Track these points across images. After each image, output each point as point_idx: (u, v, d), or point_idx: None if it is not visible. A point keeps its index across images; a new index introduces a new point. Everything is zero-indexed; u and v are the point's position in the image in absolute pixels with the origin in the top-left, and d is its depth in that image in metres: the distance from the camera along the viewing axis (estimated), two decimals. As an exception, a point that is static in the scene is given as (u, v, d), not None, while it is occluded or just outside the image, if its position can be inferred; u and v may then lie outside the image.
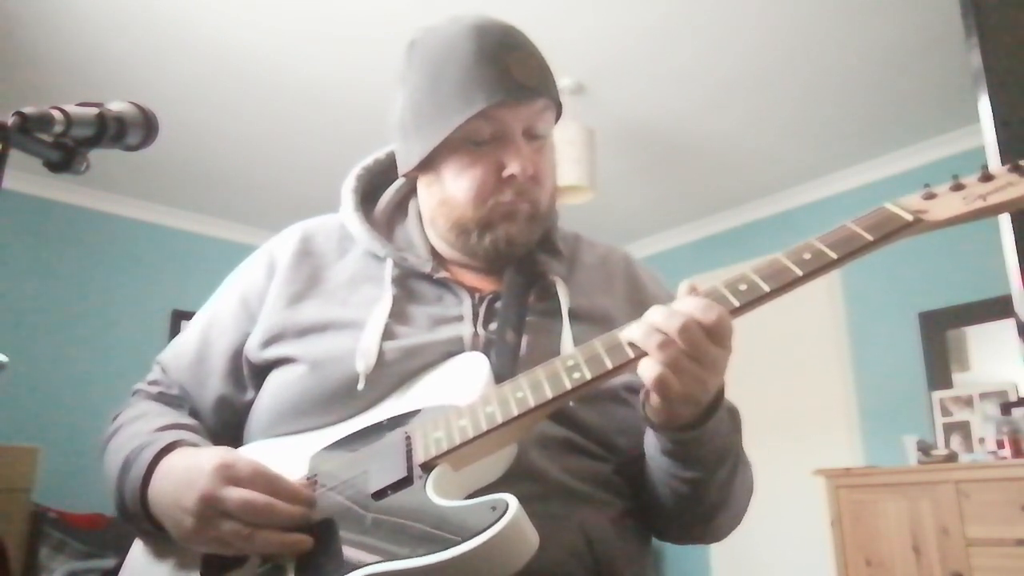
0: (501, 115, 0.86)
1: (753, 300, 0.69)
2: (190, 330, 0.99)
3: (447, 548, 0.62)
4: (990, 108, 1.09)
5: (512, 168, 0.87)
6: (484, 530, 0.62)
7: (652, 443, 0.79)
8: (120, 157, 1.25)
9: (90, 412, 3.44)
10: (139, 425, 0.87)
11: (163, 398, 0.96)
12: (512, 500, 0.63)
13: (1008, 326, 3.15)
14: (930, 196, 0.71)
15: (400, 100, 0.93)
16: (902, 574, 2.87)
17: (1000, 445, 2.89)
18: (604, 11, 2.75)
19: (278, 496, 0.72)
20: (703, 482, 0.78)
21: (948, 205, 0.69)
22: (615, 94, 3.26)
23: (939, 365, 3.50)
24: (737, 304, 0.69)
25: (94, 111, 0.75)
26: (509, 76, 0.85)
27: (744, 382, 4.03)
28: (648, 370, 0.68)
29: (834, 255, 0.69)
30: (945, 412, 3.39)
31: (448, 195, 0.90)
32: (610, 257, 1.03)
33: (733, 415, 0.83)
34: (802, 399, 3.97)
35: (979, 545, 2.70)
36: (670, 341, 0.67)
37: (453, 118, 0.86)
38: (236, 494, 0.71)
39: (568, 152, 3.03)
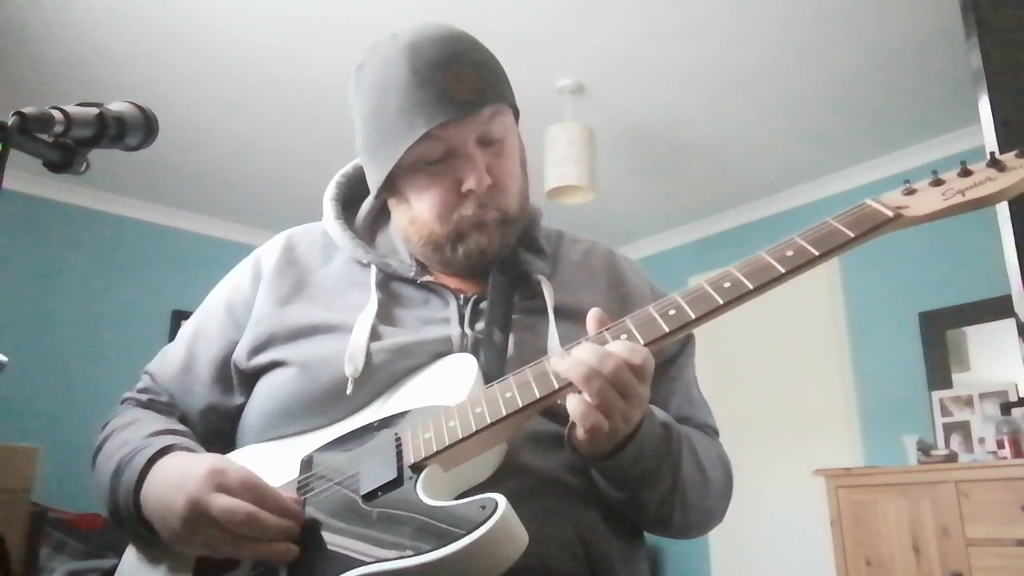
0: (448, 133, 0.85)
1: (737, 298, 0.69)
2: (177, 340, 1.00)
3: (437, 548, 0.62)
4: (990, 108, 1.09)
5: (469, 183, 0.86)
6: (473, 529, 0.62)
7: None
8: (120, 157, 1.26)
9: (90, 412, 3.43)
10: (131, 431, 0.87)
11: (153, 405, 0.96)
12: (501, 499, 0.64)
13: (1008, 326, 3.15)
14: (910, 192, 0.71)
15: (356, 125, 0.94)
16: (902, 574, 2.87)
17: (1000, 445, 2.89)
18: (604, 11, 2.75)
19: (265, 507, 0.72)
20: (634, 500, 0.80)
21: (928, 200, 0.69)
22: (615, 94, 3.26)
23: (939, 365, 3.50)
24: (721, 302, 0.69)
25: (94, 111, 0.75)
26: (447, 95, 0.83)
27: (744, 382, 4.07)
28: (579, 411, 0.69)
29: (816, 251, 0.68)
30: (945, 412, 3.39)
31: (415, 214, 0.91)
32: (593, 252, 1.03)
33: (669, 435, 0.80)
34: (802, 399, 3.97)
35: (979, 545, 2.69)
36: (603, 382, 0.68)
37: (398, 145, 0.85)
38: (222, 501, 0.71)
39: (568, 152, 3.03)
